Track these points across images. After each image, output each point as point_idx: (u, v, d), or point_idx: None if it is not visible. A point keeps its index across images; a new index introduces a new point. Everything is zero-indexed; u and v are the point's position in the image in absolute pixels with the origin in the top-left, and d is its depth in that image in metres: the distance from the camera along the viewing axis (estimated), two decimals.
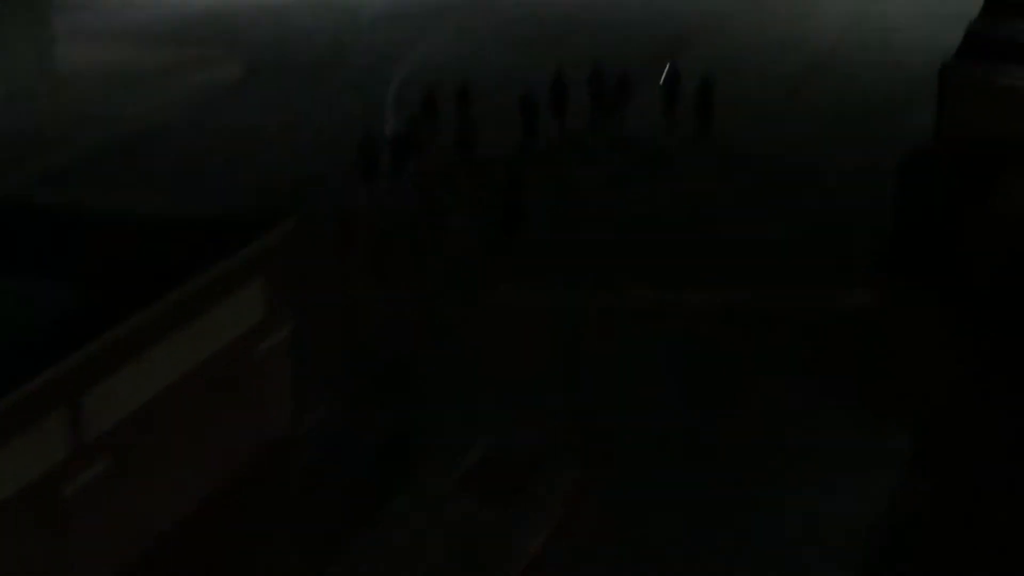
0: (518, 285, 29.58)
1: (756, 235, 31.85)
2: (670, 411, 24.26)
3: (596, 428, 23.80)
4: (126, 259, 20.32)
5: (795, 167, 35.93)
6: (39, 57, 44.00)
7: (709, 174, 35.94)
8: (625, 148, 38.00)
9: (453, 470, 22.02)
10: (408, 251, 31.73)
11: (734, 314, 27.99)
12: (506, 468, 22.19)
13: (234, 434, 20.94)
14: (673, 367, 25.84)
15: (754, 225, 32.44)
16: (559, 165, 36.95)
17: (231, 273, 20.32)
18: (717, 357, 26.20)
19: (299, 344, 22.97)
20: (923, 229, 29.46)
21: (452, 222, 33.10)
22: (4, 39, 42.60)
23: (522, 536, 20.30)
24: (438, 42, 48.35)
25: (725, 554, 20.41)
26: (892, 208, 30.70)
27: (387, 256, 31.48)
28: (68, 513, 17.80)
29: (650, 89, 39.31)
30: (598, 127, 38.65)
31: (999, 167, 28.90)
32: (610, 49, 42.91)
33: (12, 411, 16.66)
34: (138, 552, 19.06)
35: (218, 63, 46.71)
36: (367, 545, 20.04)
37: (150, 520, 19.29)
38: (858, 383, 25.21)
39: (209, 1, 55.97)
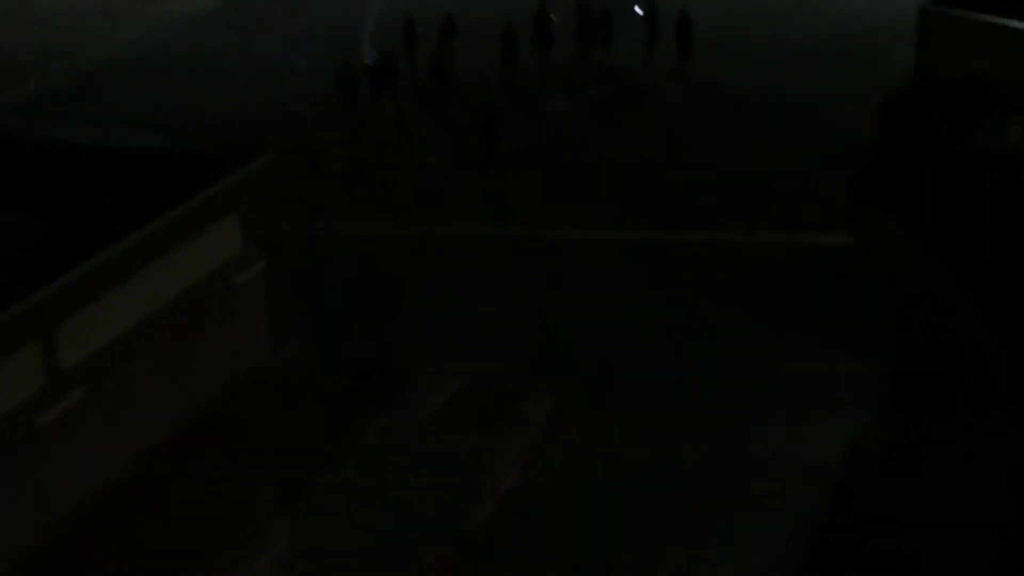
0: (490, 216, 29.62)
1: (731, 170, 31.88)
2: (643, 347, 24.39)
3: (568, 363, 23.92)
4: (100, 191, 20.24)
5: (774, 102, 35.90)
6: None
7: (687, 109, 35.97)
8: (606, 80, 37.94)
9: (427, 402, 22.13)
10: (381, 181, 31.72)
11: (707, 250, 28.07)
12: (480, 399, 22.32)
13: (209, 366, 20.96)
14: (645, 303, 25.94)
15: (730, 160, 32.47)
16: (539, 96, 36.92)
17: (206, 205, 20.25)
18: (689, 293, 26.31)
19: (273, 276, 23.00)
20: (902, 166, 29.52)
21: (425, 151, 33.12)
22: None
23: (497, 466, 20.45)
24: None
25: (689, 491, 20.66)
26: (872, 144, 30.76)
27: (360, 186, 31.49)
28: (42, 443, 17.84)
29: (632, 24, 39.17)
30: (581, 59, 38.57)
31: (978, 106, 28.93)
32: None
33: None
34: (111, 483, 19.12)
35: None
36: (340, 478, 20.16)
37: (123, 451, 19.34)
38: (830, 318, 25.35)
39: None
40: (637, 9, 38.90)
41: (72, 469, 18.40)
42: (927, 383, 23.41)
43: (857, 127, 32.44)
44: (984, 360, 23.80)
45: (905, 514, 20.27)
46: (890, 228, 28.54)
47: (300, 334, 24.08)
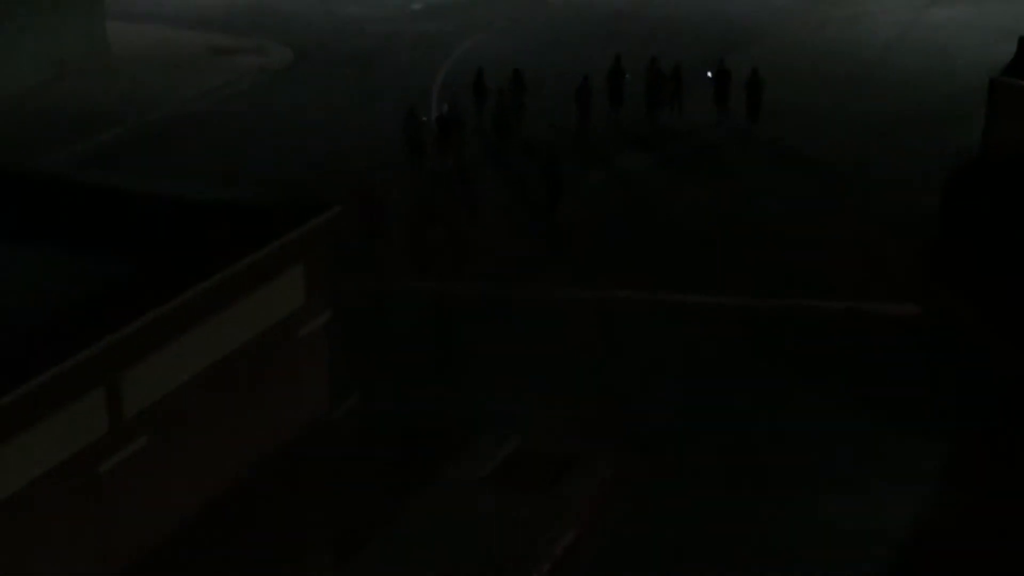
0: (553, 274, 29.62)
1: (800, 237, 31.71)
2: (703, 414, 24.21)
3: (626, 426, 23.79)
4: (168, 240, 20.46)
5: (842, 172, 35.74)
6: (90, 37, 44.31)
7: (754, 173, 35.90)
8: (676, 139, 38.24)
9: (485, 463, 22.06)
10: (447, 237, 31.88)
11: (774, 316, 27.88)
12: (537, 463, 22.22)
13: (270, 417, 21.06)
14: (709, 369, 25.78)
15: (798, 228, 32.29)
16: (610, 152, 37.32)
17: (272, 257, 20.43)
18: (755, 360, 26.11)
19: (337, 330, 23.09)
20: (969, 242, 29.28)
21: (489, 204, 33.30)
22: (57, 19, 42.90)
23: (550, 534, 20.32)
24: (487, 35, 48.38)
25: (741, 553, 20.43)
26: (939, 219, 30.53)
27: (426, 241, 31.63)
28: (103, 490, 17.95)
29: (703, 85, 39.34)
30: (652, 117, 39.02)
31: None
32: (661, 46, 42.76)
33: (54, 386, 16.82)
34: (171, 532, 19.20)
35: (267, 49, 46.95)
36: (395, 534, 20.11)
37: (183, 500, 19.43)
38: (897, 389, 25.05)
39: None
40: (708, 73, 39.16)
41: (133, 517, 18.49)
42: (993, 458, 23.06)
43: (925, 197, 32.24)
44: None
45: None
46: (959, 302, 28.27)
47: (361, 388, 24.11)
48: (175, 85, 42.41)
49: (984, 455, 23.16)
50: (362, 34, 48.87)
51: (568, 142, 37.22)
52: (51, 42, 42.70)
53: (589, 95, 38.06)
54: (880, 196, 34.08)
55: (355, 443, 22.74)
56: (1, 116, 39.07)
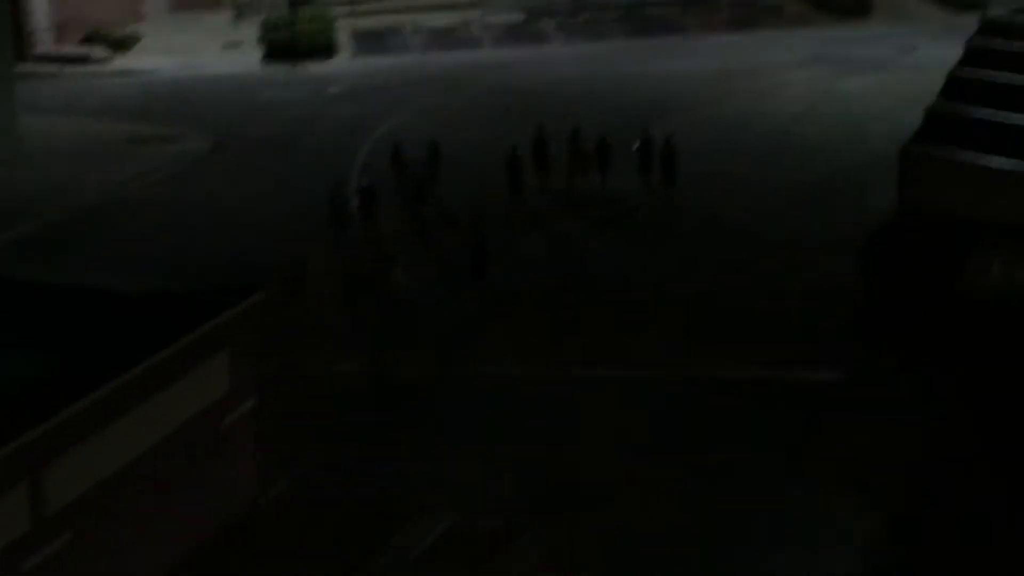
0: (485, 348, 29.66)
1: (723, 304, 32.01)
2: (641, 485, 24.23)
3: (565, 502, 23.74)
4: (88, 332, 20.26)
5: (760, 239, 36.18)
6: (4, 129, 44.00)
7: (677, 239, 36.34)
8: (603, 206, 38.94)
9: (416, 542, 21.92)
10: (369, 308, 31.97)
11: (703, 386, 28.05)
12: (471, 539, 22.12)
13: (197, 507, 20.80)
14: (643, 440, 25.83)
15: (721, 294, 32.61)
16: (541, 218, 38.22)
17: (195, 345, 20.28)
18: (688, 430, 26.21)
19: (263, 416, 22.91)
20: (887, 304, 29.74)
21: (412, 274, 33.47)
22: None
23: None
24: (406, 117, 48.66)
25: None
26: (857, 281, 30.96)
27: (348, 315, 31.66)
28: None
29: (623, 155, 39.93)
30: (574, 185, 39.73)
31: (958, 245, 29.25)
32: (579, 120, 43.24)
33: None
34: None
35: (184, 136, 46.87)
36: None
37: None
38: (827, 452, 25.23)
39: (177, 75, 56.30)
40: (634, 147, 39.85)
41: None
42: (924, 516, 23.28)
43: (842, 262, 32.70)
44: (979, 493, 23.72)
45: None
46: (881, 364, 28.62)
47: (289, 474, 23.90)
48: (93, 175, 42.18)
49: (918, 514, 23.36)
50: (280, 119, 48.98)
51: (499, 210, 37.61)
52: None
53: (519, 164, 38.84)
54: (798, 262, 34.50)
55: (283, 530, 22.50)
56: None
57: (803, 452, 25.31)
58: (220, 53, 60.09)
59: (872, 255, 30.86)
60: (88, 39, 58.89)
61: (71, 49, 58.32)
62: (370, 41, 61.73)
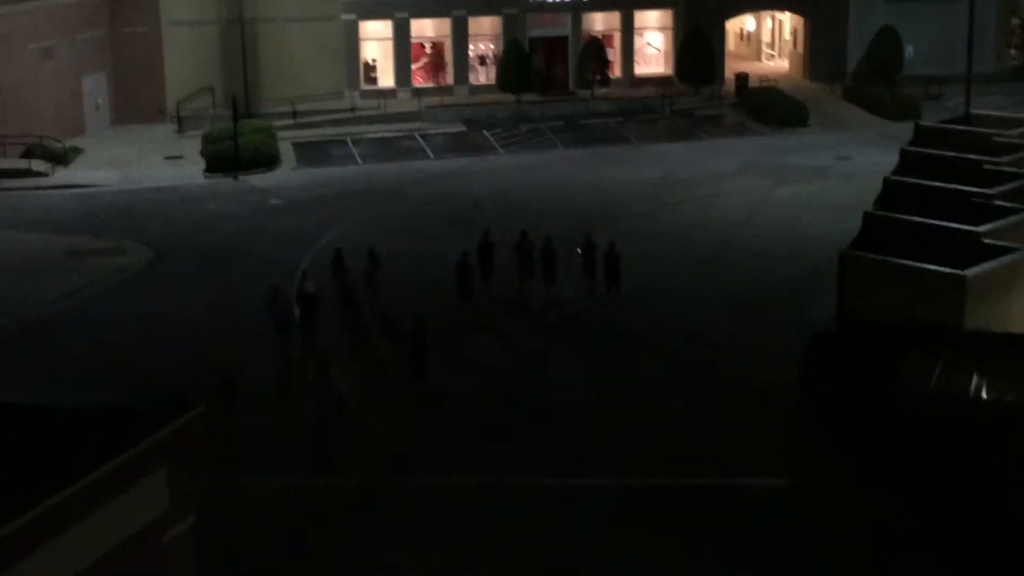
0: (428, 458, 29.49)
1: (666, 412, 32.04)
2: None
3: None
4: (29, 448, 19.94)
5: (702, 347, 36.35)
6: None
7: (621, 345, 36.46)
8: (548, 309, 39.76)
9: None
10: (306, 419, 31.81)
11: (649, 495, 27.96)
12: None
13: None
14: (590, 551, 25.65)
15: (663, 402, 32.65)
16: (486, 321, 39.01)
17: (133, 462, 19.99)
18: (635, 541, 26.07)
19: (202, 534, 22.59)
20: (831, 408, 29.86)
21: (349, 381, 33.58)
22: None
23: None
24: (347, 227, 48.77)
25: None
26: (799, 386, 31.11)
27: (285, 424, 31.47)
28: None
29: (566, 260, 40.53)
30: (523, 287, 40.23)
31: (897, 350, 29.47)
32: (521, 227, 43.60)
33: None
34: None
35: (125, 249, 46.68)
36: None
37: None
38: (773, 559, 25.16)
39: (119, 187, 56.21)
40: (578, 249, 40.45)
41: None
42: None
43: (783, 369, 32.87)
44: None
45: None
46: (824, 469, 28.67)
47: None
48: (31, 289, 41.85)
49: None
50: (222, 231, 48.92)
51: (445, 315, 37.95)
52: None
53: (469, 269, 39.02)
54: (740, 370, 34.66)
55: None
56: None
57: (741, 560, 25.26)
58: (162, 165, 60.13)
59: (812, 361, 31.03)
60: (28, 153, 58.79)
61: (11, 163, 58.16)
62: (312, 153, 62.03)
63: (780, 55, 78.56)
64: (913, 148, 41.17)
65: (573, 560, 25.33)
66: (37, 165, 58.14)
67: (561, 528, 26.53)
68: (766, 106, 66.92)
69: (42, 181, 57.30)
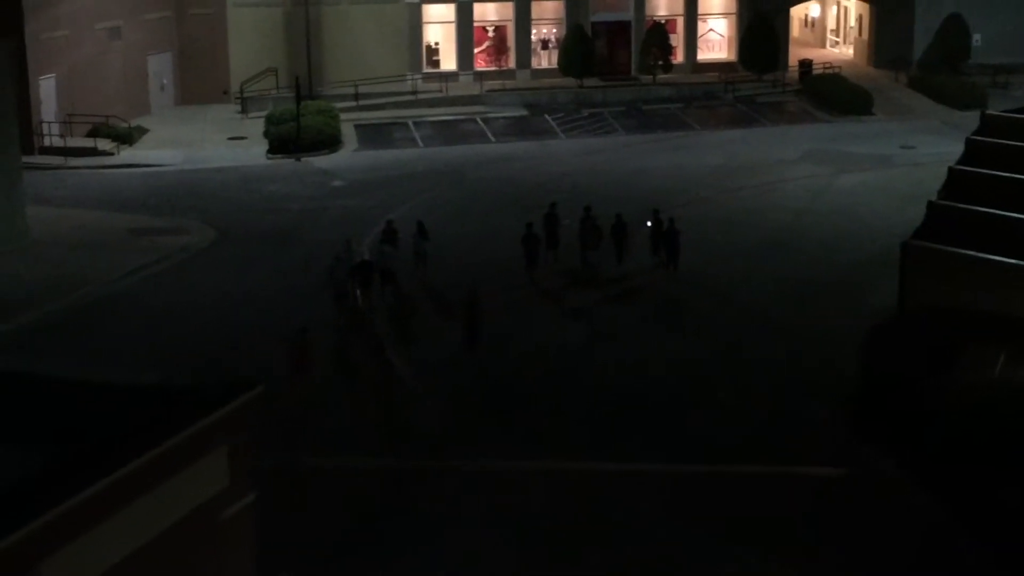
0: (485, 438, 29.53)
1: (724, 399, 31.91)
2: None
3: None
4: (87, 426, 20.19)
5: (762, 335, 36.16)
6: (9, 221, 44.22)
7: (676, 333, 36.32)
8: (613, 283, 40.54)
9: None
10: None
11: (705, 482, 27.89)
12: None
13: None
14: (643, 537, 25.63)
15: (714, 390, 32.52)
16: (555, 291, 39.91)
17: (194, 440, 20.19)
18: (689, 527, 26.02)
19: (262, 511, 22.77)
20: (891, 399, 29.64)
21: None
22: None
23: None
24: (408, 208, 48.90)
25: None
26: (859, 377, 30.88)
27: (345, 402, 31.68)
28: None
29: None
30: (587, 260, 41.34)
31: (960, 340, 29.24)
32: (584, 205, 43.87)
33: None
34: None
35: (188, 228, 47.07)
36: None
37: None
38: (828, 550, 25.03)
39: (182, 167, 56.67)
40: (648, 223, 41.94)
41: None
42: None
43: (841, 357, 32.66)
44: None
45: None
46: (883, 459, 28.49)
47: (288, 570, 23.72)
48: (96, 267, 42.31)
49: None
50: (283, 212, 49.21)
51: (511, 286, 38.93)
52: None
53: (535, 240, 40.32)
54: (798, 356, 34.47)
55: None
56: None
57: (793, 548, 25.15)
58: (225, 146, 60.55)
59: (872, 349, 30.82)
60: (94, 132, 59.38)
61: (77, 142, 58.78)
62: (374, 135, 62.23)
63: (845, 42, 77.90)
64: (979, 137, 40.70)
65: (627, 548, 25.29)
66: (102, 144, 58.72)
67: (614, 515, 26.49)
68: (830, 93, 66.39)
69: (107, 160, 57.88)
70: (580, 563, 24.76)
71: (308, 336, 32.53)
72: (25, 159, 48.89)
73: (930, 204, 35.12)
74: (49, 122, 58.72)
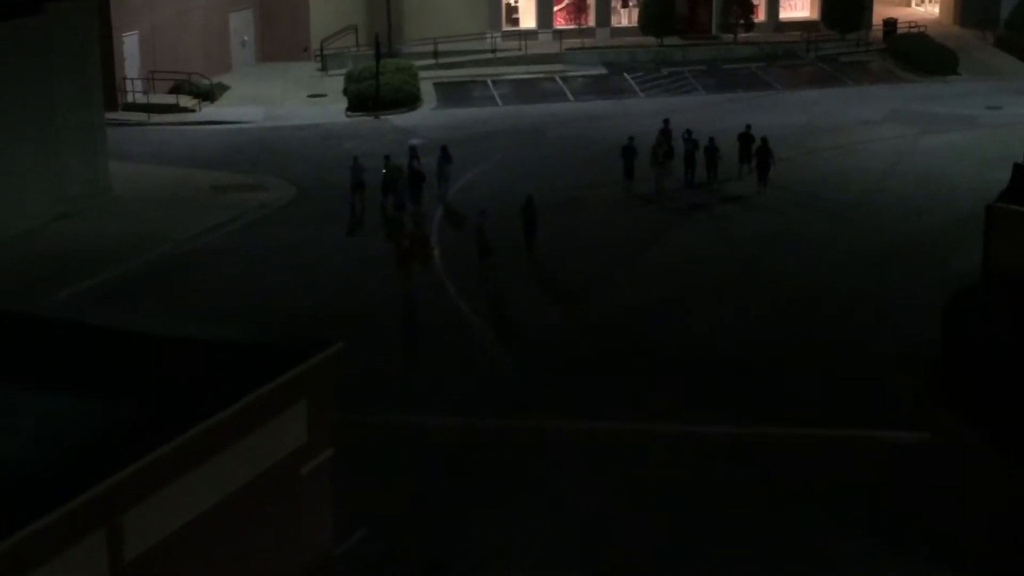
0: (552, 405, 29.52)
1: (805, 363, 31.65)
2: (710, 548, 23.95)
3: (634, 562, 23.50)
4: (167, 380, 20.42)
5: (843, 299, 35.82)
6: (93, 177, 44.75)
7: (755, 300, 35.96)
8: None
9: None
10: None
11: (780, 445, 27.72)
12: None
13: (273, 556, 20.84)
14: (713, 501, 25.54)
15: (802, 353, 32.26)
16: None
17: (273, 395, 20.37)
18: (761, 490, 25.88)
19: (340, 466, 22.95)
20: (971, 367, 29.23)
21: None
22: (61, 159, 43.36)
23: None
24: (488, 167, 48.87)
25: None
26: (941, 342, 30.48)
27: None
28: None
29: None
30: (690, 178, 45.73)
31: None
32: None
33: (52, 531, 16.66)
34: None
35: (268, 185, 47.38)
36: None
37: None
38: (905, 515, 24.80)
39: (262, 124, 56.99)
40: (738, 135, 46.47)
41: None
42: None
43: (924, 324, 32.27)
44: None
45: None
46: (966, 426, 28.13)
47: (365, 525, 23.91)
48: (177, 223, 42.72)
49: None
50: (363, 169, 49.31)
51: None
52: (55, 182, 43.10)
53: (633, 152, 45.30)
54: (879, 320, 34.12)
55: None
56: (6, 257, 39.27)
57: (879, 512, 24.93)
58: (305, 103, 60.80)
59: (955, 315, 30.39)
60: (176, 89, 59.85)
61: (160, 98, 59.29)
62: (453, 93, 62.18)
63: (930, 0, 76.59)
64: None
65: (691, 513, 25.21)
66: (184, 101, 59.20)
67: (683, 479, 26.40)
68: (914, 53, 65.39)
69: (189, 117, 58.36)
70: (648, 528, 24.71)
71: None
72: (108, 115, 49.36)
73: (1016, 166, 34.44)
74: (132, 79, 59.26)
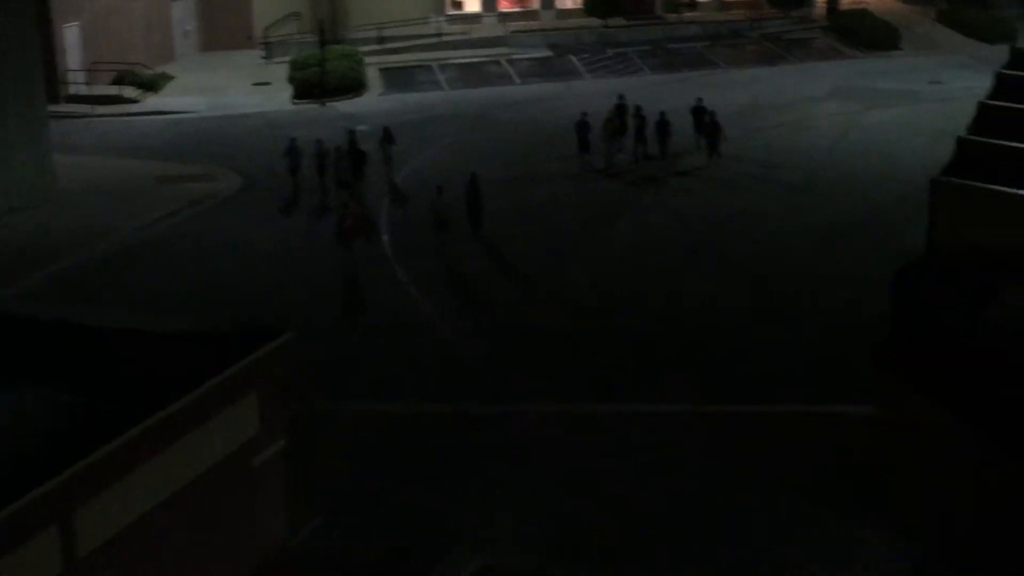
0: (511, 385, 29.56)
1: (752, 339, 31.84)
2: (670, 523, 24.07)
3: (597, 543, 23.57)
4: (117, 372, 20.29)
5: (788, 274, 36.03)
6: (38, 170, 44.30)
7: (710, 276, 36.12)
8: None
9: None
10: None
11: (731, 421, 27.88)
12: None
13: (227, 548, 20.76)
14: (670, 477, 25.65)
15: (750, 328, 32.44)
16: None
17: (224, 386, 20.27)
18: (714, 466, 26.03)
19: (292, 456, 22.88)
20: (918, 339, 29.50)
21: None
22: (3, 152, 42.88)
23: None
24: (435, 151, 48.79)
25: None
26: (889, 315, 30.73)
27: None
28: None
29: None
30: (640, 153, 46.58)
31: (993, 276, 29.01)
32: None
33: (3, 528, 16.52)
34: None
35: (214, 175, 47.08)
36: None
37: None
38: (855, 488, 25.00)
39: (207, 114, 56.63)
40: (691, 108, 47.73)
41: None
42: (951, 554, 23.03)
43: (871, 298, 32.52)
44: (1012, 531, 23.45)
45: None
46: (913, 398, 28.39)
47: (320, 514, 23.85)
48: (124, 214, 42.39)
49: (940, 554, 23.13)
50: (309, 156, 49.07)
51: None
52: None
53: (586, 127, 46.26)
54: (828, 297, 34.34)
55: (315, 571, 22.44)
56: None
57: (829, 486, 25.13)
58: (250, 92, 60.46)
59: (902, 291, 30.63)
60: (119, 80, 59.35)
61: (103, 90, 58.77)
62: (398, 78, 62.01)
63: None
64: (1009, 72, 40.23)
65: (659, 489, 25.33)
66: (127, 92, 58.74)
67: (649, 457, 26.51)
68: (857, 29, 65.80)
69: (132, 107, 57.92)
70: (614, 506, 24.81)
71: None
72: (51, 108, 48.86)
73: (959, 140, 34.77)
74: (74, 70, 58.70)
